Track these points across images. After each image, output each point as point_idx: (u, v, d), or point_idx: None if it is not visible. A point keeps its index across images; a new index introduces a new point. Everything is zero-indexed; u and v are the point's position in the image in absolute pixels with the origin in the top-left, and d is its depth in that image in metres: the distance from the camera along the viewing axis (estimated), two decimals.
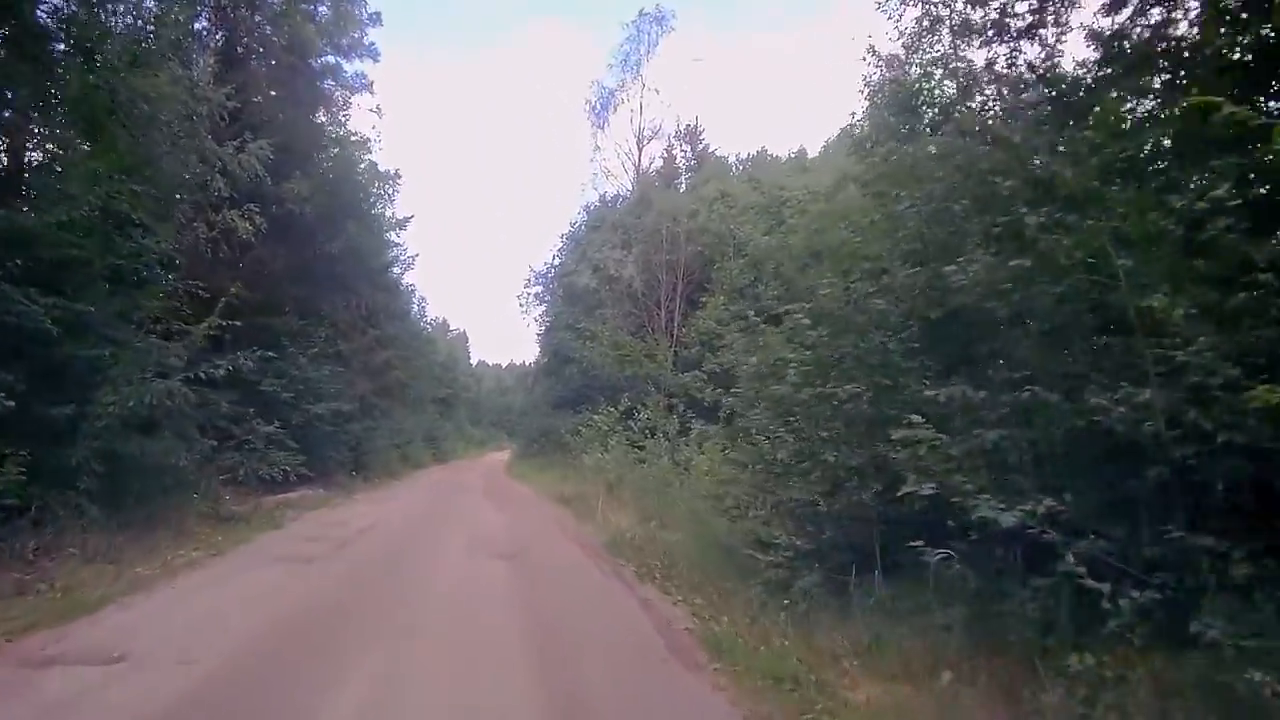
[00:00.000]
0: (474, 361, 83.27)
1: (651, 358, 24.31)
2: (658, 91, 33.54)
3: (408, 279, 44.47)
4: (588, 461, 22.19)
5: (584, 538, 12.12)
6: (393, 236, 34.09)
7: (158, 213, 14.72)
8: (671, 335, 24.29)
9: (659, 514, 13.75)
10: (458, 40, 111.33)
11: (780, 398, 7.81)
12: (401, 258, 39.92)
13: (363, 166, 23.66)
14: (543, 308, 39.17)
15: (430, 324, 57.01)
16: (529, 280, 39.50)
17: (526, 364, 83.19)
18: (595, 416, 23.43)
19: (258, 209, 16.49)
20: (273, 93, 18.65)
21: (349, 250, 19.71)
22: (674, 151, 36.54)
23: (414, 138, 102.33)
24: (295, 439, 18.13)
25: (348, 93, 24.06)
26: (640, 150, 38.47)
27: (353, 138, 23.38)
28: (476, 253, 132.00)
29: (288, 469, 16.30)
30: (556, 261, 35.90)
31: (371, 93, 25.11)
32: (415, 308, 52.50)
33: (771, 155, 31.13)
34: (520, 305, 39.87)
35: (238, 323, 12.09)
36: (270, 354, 13.65)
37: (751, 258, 26.25)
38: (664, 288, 24.78)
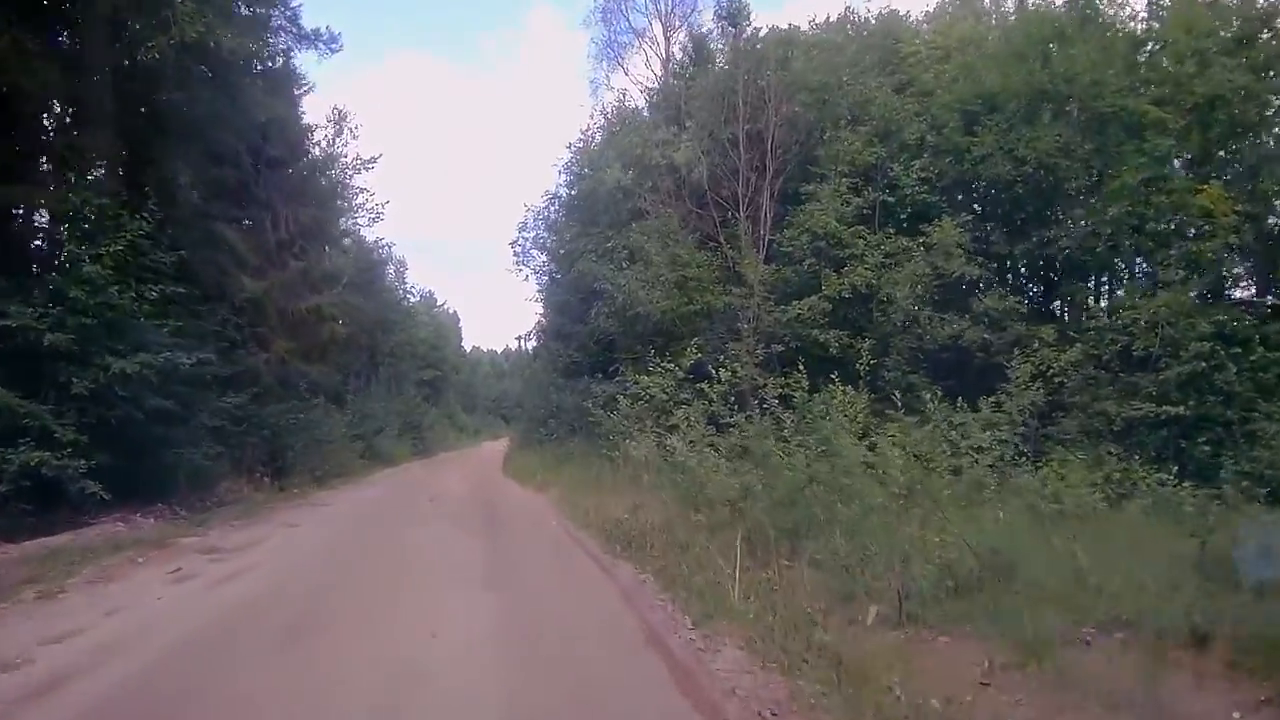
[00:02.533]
0: (468, 348, 73.65)
1: (732, 281, 15.29)
2: None
3: (378, 232, 36.57)
4: (637, 453, 13.18)
5: None
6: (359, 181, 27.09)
7: None
8: (760, 246, 15.22)
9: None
10: (444, 37, 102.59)
11: None
12: (368, 204, 31.75)
13: None
14: (544, 256, 29.97)
15: (411, 291, 47.80)
16: (524, 224, 30.29)
17: (525, 345, 73.67)
18: (643, 378, 14.44)
19: None
20: None
21: (195, 62, 10.44)
22: (710, 40, 27.24)
23: (401, 127, 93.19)
24: (86, 425, 9.17)
25: None
26: (667, 40, 29.25)
27: None
28: (468, 241, 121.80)
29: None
30: (562, 184, 26.71)
31: None
32: (393, 271, 43.59)
33: (858, 16, 22.03)
34: (515, 255, 30.62)
35: None
36: None
37: (880, 121, 17.11)
38: (743, 175, 15.66)
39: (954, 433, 11.35)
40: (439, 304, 63.32)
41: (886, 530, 6.95)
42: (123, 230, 9.68)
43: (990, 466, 10.60)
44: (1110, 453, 10.89)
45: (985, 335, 13.32)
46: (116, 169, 10.51)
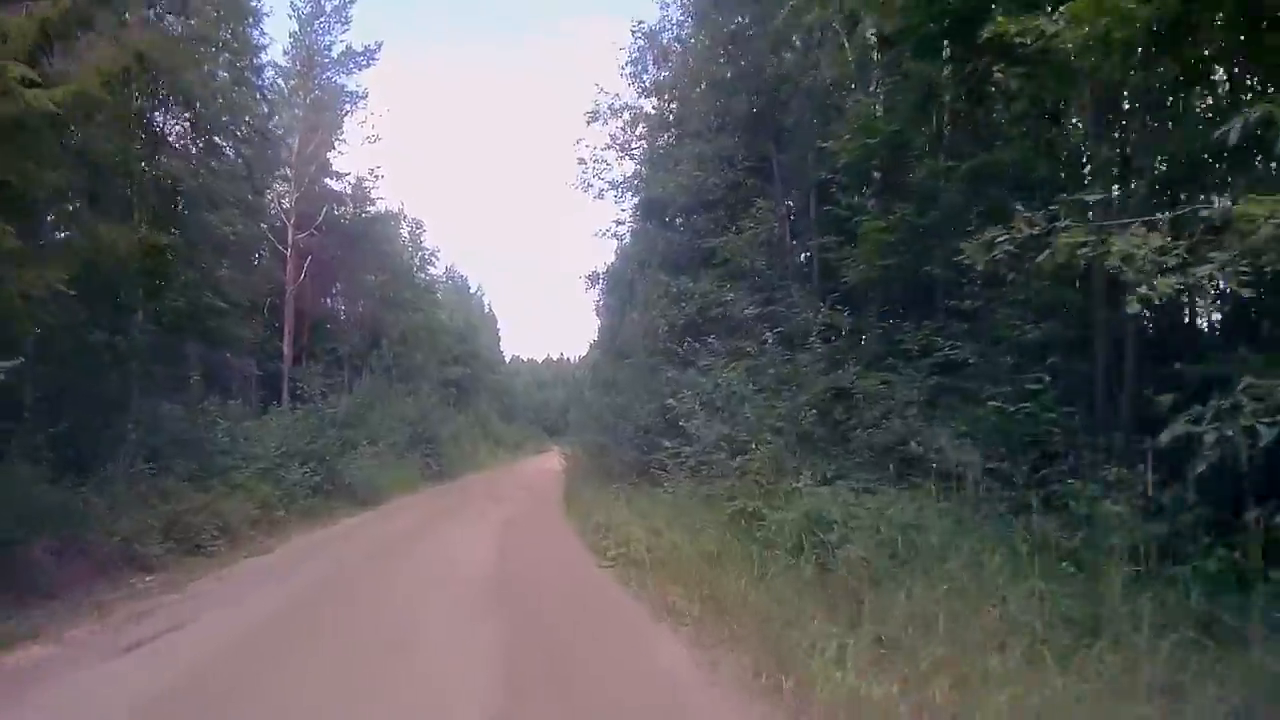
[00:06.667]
0: (506, 356, 61.31)
1: None
2: None
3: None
4: None
5: None
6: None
7: None
8: None
9: None
10: (487, 40, 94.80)
11: None
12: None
13: None
14: (634, 161, 17.66)
15: (431, 261, 35.97)
16: (595, 111, 18.04)
17: (568, 357, 61.27)
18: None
19: None
20: None
21: None
22: None
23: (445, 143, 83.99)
24: None
25: None
26: None
27: None
28: (496, 263, 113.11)
29: None
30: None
31: None
32: (406, 233, 32.15)
33: None
34: (580, 165, 18.39)
35: None
36: None
37: None
38: None
39: None
40: (472, 290, 51.56)
41: None
42: None
43: None
44: None
45: None
46: None
